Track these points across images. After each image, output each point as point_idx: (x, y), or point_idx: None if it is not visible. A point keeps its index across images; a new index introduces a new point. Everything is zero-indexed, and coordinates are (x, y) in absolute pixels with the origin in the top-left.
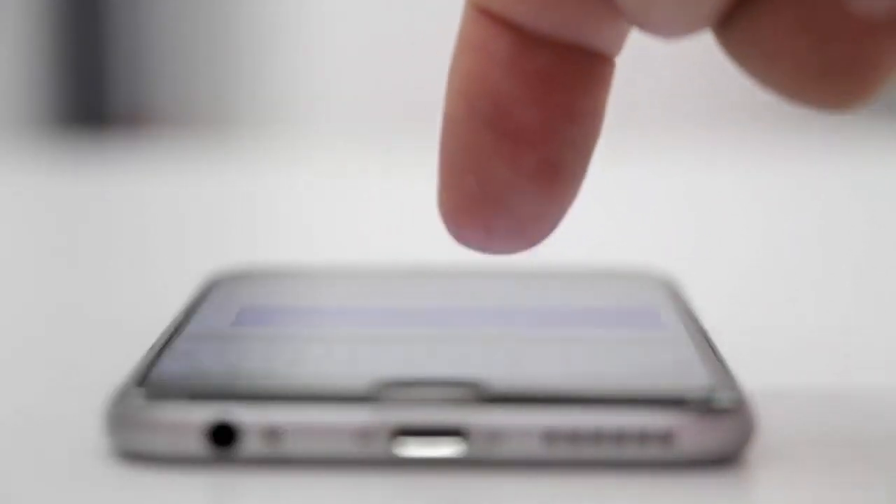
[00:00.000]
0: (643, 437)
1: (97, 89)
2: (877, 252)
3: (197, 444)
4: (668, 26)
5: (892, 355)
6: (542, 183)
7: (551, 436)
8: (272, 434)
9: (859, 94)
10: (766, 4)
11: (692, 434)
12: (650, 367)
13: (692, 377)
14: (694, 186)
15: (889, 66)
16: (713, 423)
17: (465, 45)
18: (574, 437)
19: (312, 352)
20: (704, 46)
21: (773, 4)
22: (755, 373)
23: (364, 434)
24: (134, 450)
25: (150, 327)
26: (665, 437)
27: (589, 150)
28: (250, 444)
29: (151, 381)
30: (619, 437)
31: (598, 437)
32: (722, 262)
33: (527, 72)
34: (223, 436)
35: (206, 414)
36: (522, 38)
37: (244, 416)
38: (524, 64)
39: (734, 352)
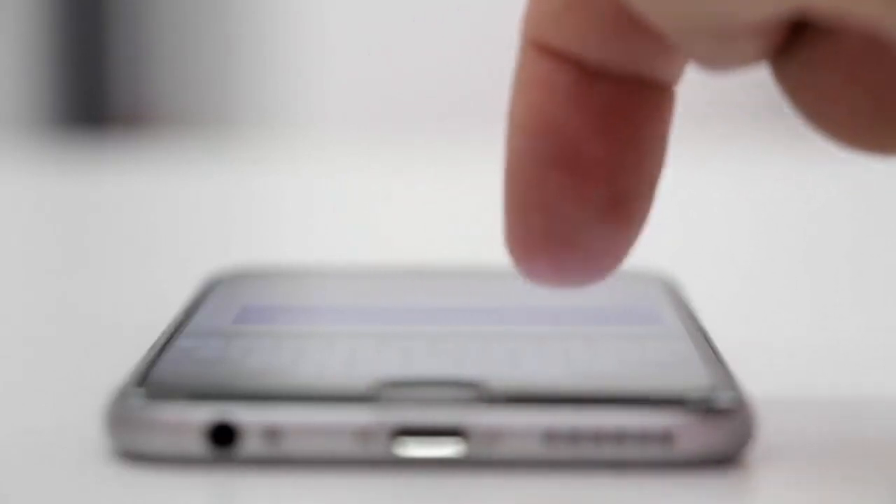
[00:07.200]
0: (643, 437)
1: (97, 89)
2: (877, 252)
3: (197, 444)
4: (717, 61)
5: (893, 355)
6: (611, 217)
7: (551, 436)
8: (272, 434)
9: None
10: (823, 47)
11: (692, 434)
12: (650, 367)
13: (692, 377)
14: (694, 186)
15: None
16: (713, 423)
17: (525, 82)
18: (574, 437)
19: (312, 351)
20: None
21: (831, 48)
22: (755, 373)
23: (364, 434)
24: (134, 450)
25: (150, 327)
26: (665, 437)
27: (655, 181)
28: (250, 444)
29: (151, 381)
30: (619, 437)
31: (598, 437)
32: (722, 263)
33: (591, 106)
34: (223, 436)
35: (206, 414)
36: (584, 72)
37: (244, 416)
38: (588, 98)
39: (734, 352)
